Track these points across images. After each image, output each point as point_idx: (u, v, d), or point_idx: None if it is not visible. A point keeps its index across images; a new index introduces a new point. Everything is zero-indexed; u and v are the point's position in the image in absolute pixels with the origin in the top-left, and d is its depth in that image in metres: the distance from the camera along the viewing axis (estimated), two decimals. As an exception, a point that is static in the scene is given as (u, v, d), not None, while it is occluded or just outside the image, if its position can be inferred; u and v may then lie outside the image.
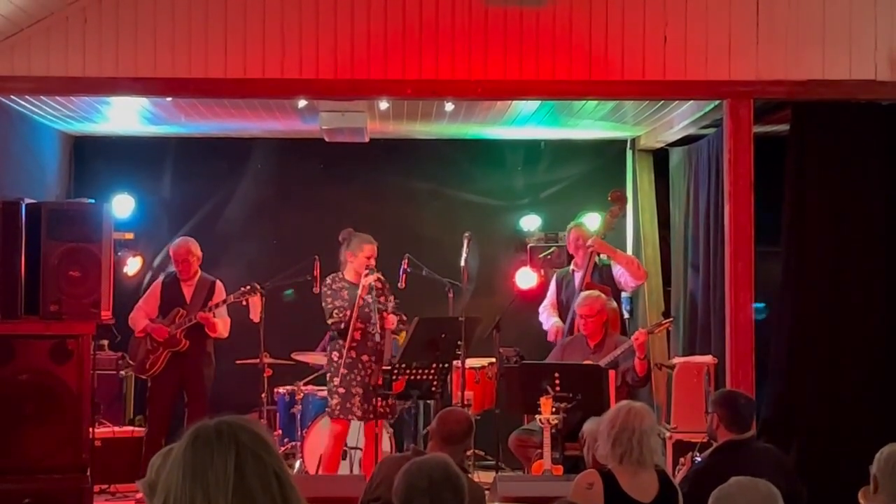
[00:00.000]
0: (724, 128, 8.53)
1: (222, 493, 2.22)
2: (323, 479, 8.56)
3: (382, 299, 8.94)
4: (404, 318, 9.02)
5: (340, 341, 8.89)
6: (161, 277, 9.98)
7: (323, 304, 8.95)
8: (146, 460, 9.43)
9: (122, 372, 10.32)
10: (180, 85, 8.38)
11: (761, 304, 8.31)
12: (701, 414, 8.17)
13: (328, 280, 9.01)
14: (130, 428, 10.13)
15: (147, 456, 9.32)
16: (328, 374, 9.05)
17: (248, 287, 9.41)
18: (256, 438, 2.30)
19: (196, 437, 2.29)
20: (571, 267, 10.05)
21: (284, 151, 11.47)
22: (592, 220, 10.34)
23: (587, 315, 9.01)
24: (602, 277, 9.73)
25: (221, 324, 9.58)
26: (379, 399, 8.77)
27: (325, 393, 9.29)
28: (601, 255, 9.77)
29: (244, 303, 9.49)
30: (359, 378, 8.85)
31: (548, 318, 10.01)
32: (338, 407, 8.87)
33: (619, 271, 9.74)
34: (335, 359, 8.92)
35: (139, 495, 8.78)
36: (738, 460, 5.80)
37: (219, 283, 9.77)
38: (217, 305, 9.52)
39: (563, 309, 9.95)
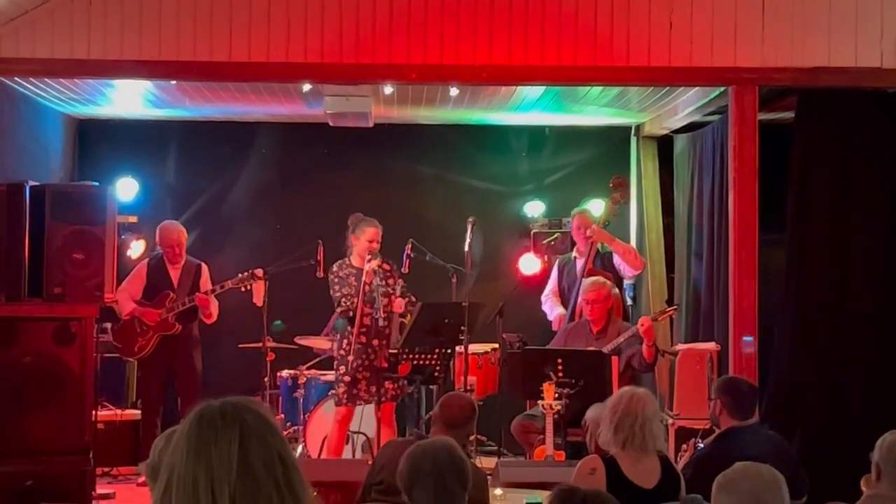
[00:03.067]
0: (728, 115, 8.51)
1: (225, 473, 2.22)
2: (326, 462, 8.58)
3: (391, 282, 8.93)
4: (413, 299, 8.99)
5: (349, 327, 8.89)
6: (146, 260, 9.96)
7: (330, 291, 8.93)
8: (144, 444, 9.50)
9: (126, 359, 10.30)
10: (185, 68, 8.36)
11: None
12: (703, 401, 8.19)
13: (334, 267, 8.99)
14: (133, 411, 10.14)
15: (143, 440, 9.37)
16: (335, 362, 9.05)
17: (248, 273, 9.39)
18: (261, 420, 2.30)
19: (201, 417, 2.28)
20: (574, 254, 10.04)
21: (289, 136, 11.46)
22: (596, 207, 10.34)
23: (593, 300, 9.00)
24: (604, 264, 9.73)
25: (215, 309, 9.60)
26: (388, 382, 8.78)
27: (327, 377, 9.30)
28: (601, 243, 9.78)
29: (243, 289, 9.48)
30: (367, 363, 8.84)
31: (552, 307, 9.99)
32: (344, 395, 8.88)
33: (619, 259, 9.75)
34: (343, 345, 8.92)
35: (141, 478, 8.82)
36: (740, 447, 5.81)
37: (205, 267, 9.79)
38: (212, 291, 9.51)
39: (563, 296, 9.94)
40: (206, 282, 9.68)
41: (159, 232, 9.76)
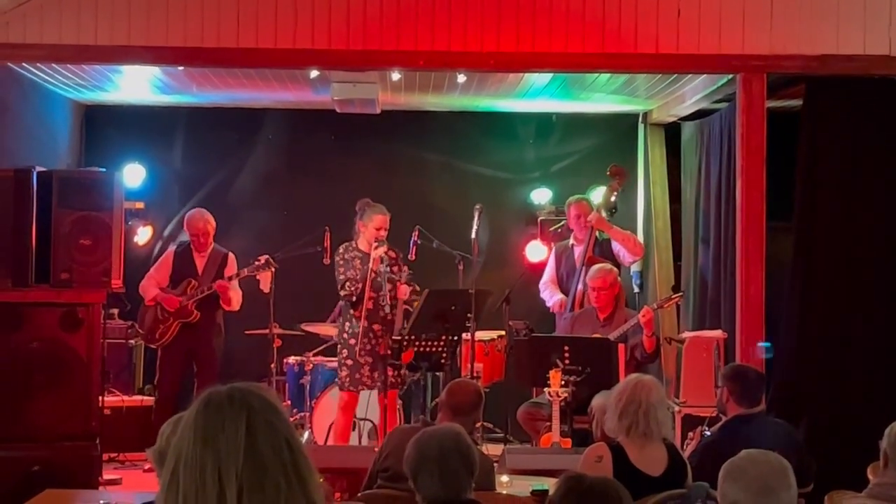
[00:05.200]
0: (736, 102, 8.49)
1: (233, 458, 2.21)
2: (332, 449, 8.60)
3: (396, 269, 8.92)
4: (417, 288, 8.98)
5: (351, 311, 8.90)
6: (173, 247, 9.99)
7: (335, 273, 8.94)
8: (155, 429, 9.51)
9: (132, 341, 10.35)
10: (192, 54, 8.35)
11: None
12: (710, 388, 8.20)
13: (341, 249, 8.99)
14: (140, 397, 10.17)
15: (156, 425, 9.36)
16: (338, 346, 9.07)
17: (263, 261, 9.39)
18: (268, 405, 2.30)
19: (208, 402, 2.28)
20: (571, 241, 10.00)
21: (295, 122, 11.46)
22: (598, 195, 10.31)
23: (600, 287, 8.98)
24: (603, 252, 9.71)
25: (235, 296, 9.59)
26: (389, 369, 8.78)
27: (334, 364, 9.30)
28: (600, 231, 9.76)
29: (257, 276, 9.50)
30: (368, 347, 8.85)
31: (551, 295, 9.94)
32: (347, 379, 8.91)
33: (617, 246, 9.73)
34: (346, 329, 8.95)
35: (148, 464, 8.82)
36: (747, 434, 5.81)
37: (231, 256, 9.78)
38: (230, 279, 9.51)
39: (562, 284, 9.92)
40: (230, 270, 9.67)
41: (185, 220, 9.79)
